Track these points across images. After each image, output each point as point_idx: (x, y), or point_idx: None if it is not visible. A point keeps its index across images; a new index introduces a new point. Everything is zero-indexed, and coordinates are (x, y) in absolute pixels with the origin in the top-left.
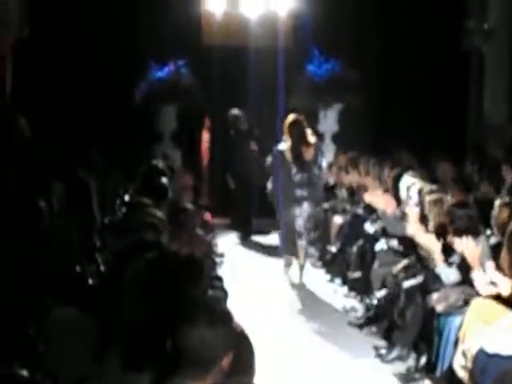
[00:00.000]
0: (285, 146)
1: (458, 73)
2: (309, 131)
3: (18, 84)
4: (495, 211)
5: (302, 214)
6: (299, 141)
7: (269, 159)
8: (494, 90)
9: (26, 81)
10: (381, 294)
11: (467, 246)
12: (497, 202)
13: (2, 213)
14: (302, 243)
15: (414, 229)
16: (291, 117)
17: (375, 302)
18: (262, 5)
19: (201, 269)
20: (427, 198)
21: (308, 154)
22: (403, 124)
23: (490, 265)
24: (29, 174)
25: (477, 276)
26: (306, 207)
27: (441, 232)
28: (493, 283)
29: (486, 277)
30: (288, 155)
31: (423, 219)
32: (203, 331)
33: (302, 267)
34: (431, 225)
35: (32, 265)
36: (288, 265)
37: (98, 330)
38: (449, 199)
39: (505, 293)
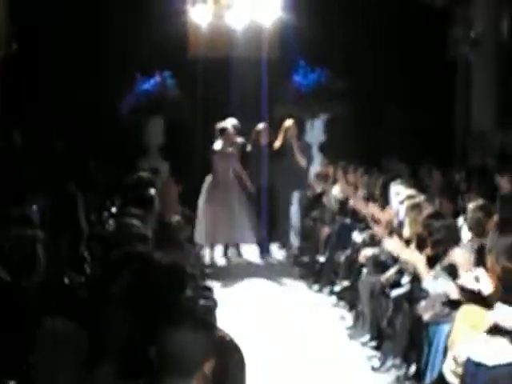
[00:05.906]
0: None
1: (445, 82)
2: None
3: (6, 98)
4: (469, 214)
5: None
6: None
7: None
8: (481, 98)
9: (14, 95)
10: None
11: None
12: (471, 205)
13: None
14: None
15: (394, 243)
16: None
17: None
18: (247, 16)
19: (182, 277)
20: (405, 204)
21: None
22: (390, 133)
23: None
24: (18, 187)
25: (464, 276)
26: None
27: (422, 244)
28: (477, 279)
29: (471, 274)
30: None
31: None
32: (181, 337)
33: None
34: (406, 230)
35: (21, 277)
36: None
37: (87, 340)
38: (426, 205)
39: (486, 291)
